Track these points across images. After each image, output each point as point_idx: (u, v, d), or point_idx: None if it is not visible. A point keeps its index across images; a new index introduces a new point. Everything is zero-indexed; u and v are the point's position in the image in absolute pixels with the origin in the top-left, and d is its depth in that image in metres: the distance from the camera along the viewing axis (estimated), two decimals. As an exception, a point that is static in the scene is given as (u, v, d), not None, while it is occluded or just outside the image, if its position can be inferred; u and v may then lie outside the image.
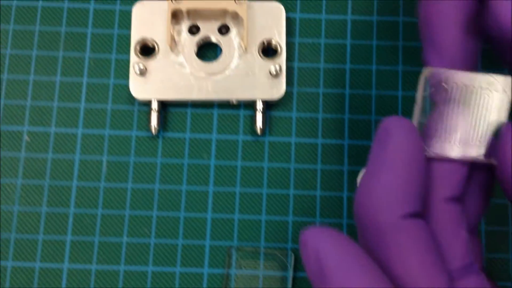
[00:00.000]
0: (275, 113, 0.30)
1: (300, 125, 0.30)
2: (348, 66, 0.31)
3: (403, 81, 0.31)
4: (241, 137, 0.30)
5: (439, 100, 0.21)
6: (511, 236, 0.29)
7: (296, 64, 0.31)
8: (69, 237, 0.29)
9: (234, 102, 0.30)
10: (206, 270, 0.29)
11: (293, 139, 0.30)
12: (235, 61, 0.30)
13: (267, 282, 0.29)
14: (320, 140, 0.30)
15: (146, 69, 0.30)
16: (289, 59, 0.31)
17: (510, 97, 0.21)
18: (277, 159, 0.30)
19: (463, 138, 0.21)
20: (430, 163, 0.21)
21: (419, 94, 0.21)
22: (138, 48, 0.30)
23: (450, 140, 0.21)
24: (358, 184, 0.20)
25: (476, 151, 0.21)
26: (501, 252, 0.29)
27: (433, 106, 0.21)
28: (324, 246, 0.19)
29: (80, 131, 0.30)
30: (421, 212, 0.20)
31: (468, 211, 0.23)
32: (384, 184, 0.19)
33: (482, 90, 0.21)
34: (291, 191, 0.30)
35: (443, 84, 0.21)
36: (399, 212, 0.19)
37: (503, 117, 0.21)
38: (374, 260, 0.20)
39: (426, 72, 0.21)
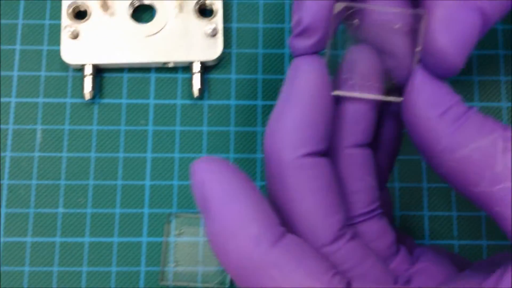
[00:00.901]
0: (214, 76, 0.30)
1: (240, 87, 0.29)
2: (287, 25, 0.30)
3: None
4: (179, 101, 0.29)
5: (348, 37, 0.21)
6: (425, 192, 0.29)
7: (234, 25, 0.30)
8: (3, 210, 0.28)
9: (171, 65, 0.29)
10: (145, 239, 0.28)
11: (232, 102, 0.29)
12: (170, 22, 0.29)
13: (207, 249, 0.28)
14: (260, 102, 0.29)
15: (78, 33, 0.29)
16: (227, 20, 0.30)
17: (420, 33, 0.21)
18: (216, 123, 0.29)
19: (366, 76, 0.21)
20: (339, 106, 0.21)
21: (331, 29, 0.21)
22: (70, 11, 0.29)
23: (353, 79, 0.21)
24: None
25: (377, 91, 0.21)
26: (415, 210, 0.28)
27: (344, 43, 0.21)
28: (210, 176, 0.18)
29: (13, 100, 0.29)
30: (326, 152, 0.20)
31: (378, 158, 0.22)
32: (288, 122, 0.19)
33: (390, 26, 0.21)
34: (231, 155, 0.29)
35: (353, 19, 0.21)
36: (301, 150, 0.19)
37: (407, 56, 0.21)
38: (270, 199, 0.19)
39: (337, 6, 0.21)
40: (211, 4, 0.29)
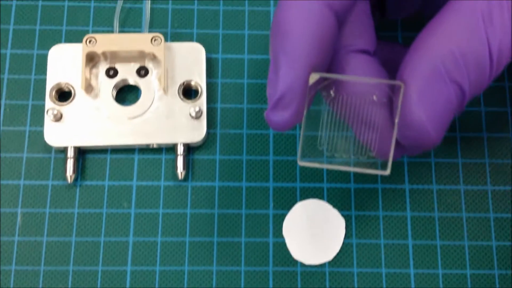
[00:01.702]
0: (198, 157, 0.29)
1: (224, 168, 0.29)
2: (272, 106, 0.30)
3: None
4: (162, 183, 0.29)
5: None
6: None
7: (219, 105, 0.30)
8: (-21, 296, 0.27)
9: (155, 146, 0.29)
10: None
11: (216, 183, 0.29)
12: (155, 104, 0.29)
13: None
14: (244, 184, 0.29)
15: (61, 115, 0.29)
16: (212, 100, 0.30)
17: (397, 104, 0.21)
18: (200, 205, 0.29)
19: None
20: None
21: (307, 101, 0.21)
22: (53, 93, 0.29)
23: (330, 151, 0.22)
24: None
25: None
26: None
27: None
28: None
29: (-6, 181, 0.29)
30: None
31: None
32: None
33: (367, 97, 0.21)
34: (215, 239, 0.28)
35: (329, 90, 0.21)
36: None
37: (386, 128, 0.21)
38: None
39: (312, 76, 0.21)
40: (195, 86, 0.29)
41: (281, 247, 0.28)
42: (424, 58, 0.20)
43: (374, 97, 0.21)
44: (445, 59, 0.20)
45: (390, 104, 0.22)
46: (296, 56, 0.20)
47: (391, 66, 0.23)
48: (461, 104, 0.21)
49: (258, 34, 0.31)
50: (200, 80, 0.29)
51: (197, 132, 0.29)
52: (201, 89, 0.29)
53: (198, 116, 0.29)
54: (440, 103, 0.20)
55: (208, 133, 0.29)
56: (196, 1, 0.31)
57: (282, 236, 0.28)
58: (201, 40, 0.31)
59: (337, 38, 0.22)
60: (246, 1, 0.31)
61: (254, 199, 0.29)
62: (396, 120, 0.21)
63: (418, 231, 0.28)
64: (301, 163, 0.22)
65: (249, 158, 0.29)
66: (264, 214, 0.29)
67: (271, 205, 0.29)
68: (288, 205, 0.29)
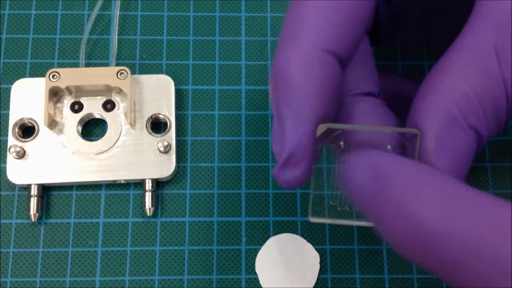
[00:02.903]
0: (167, 191, 0.28)
1: (194, 202, 0.28)
2: (243, 138, 0.29)
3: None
4: (130, 220, 0.28)
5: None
6: None
7: (189, 138, 0.29)
8: None
9: (122, 182, 0.28)
10: None
11: (187, 219, 0.28)
12: (122, 139, 0.28)
13: None
14: (215, 218, 0.28)
15: (25, 151, 0.28)
16: (181, 133, 0.29)
17: (415, 154, 0.19)
18: (170, 242, 0.28)
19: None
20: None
21: (315, 154, 0.20)
22: (16, 129, 0.28)
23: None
24: None
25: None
26: None
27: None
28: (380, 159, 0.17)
29: (-45, 221, 0.28)
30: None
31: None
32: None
33: (380, 147, 0.20)
34: (185, 277, 0.27)
35: (338, 141, 0.20)
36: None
37: None
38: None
39: (320, 128, 0.19)
40: (164, 119, 0.29)
41: (254, 283, 0.27)
42: (437, 103, 0.19)
43: (389, 147, 0.20)
44: (460, 103, 0.19)
45: (403, 153, 0.20)
46: (301, 110, 0.19)
47: (396, 102, 0.22)
48: (479, 148, 0.20)
49: (229, 64, 0.30)
50: (169, 113, 0.29)
51: (165, 167, 0.28)
52: (170, 122, 0.28)
53: (166, 150, 0.28)
54: (459, 150, 0.19)
55: (177, 166, 0.28)
56: (165, 32, 0.31)
57: (254, 272, 0.27)
58: (170, 71, 0.30)
59: (342, 85, 0.21)
60: (217, 31, 0.31)
61: (226, 234, 0.28)
62: None
63: (394, 264, 0.28)
64: (312, 219, 0.20)
65: (220, 192, 0.28)
66: (237, 249, 0.28)
67: (243, 240, 0.28)
68: (261, 240, 0.28)
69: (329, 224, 0.28)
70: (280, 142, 0.19)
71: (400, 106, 0.22)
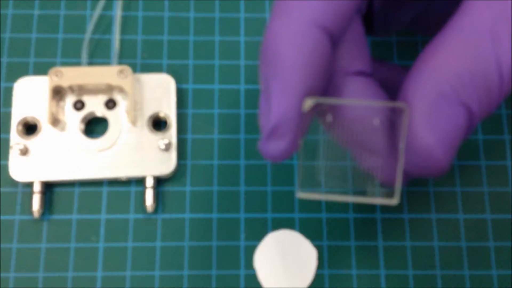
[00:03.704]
0: (168, 189, 0.29)
1: (195, 199, 0.29)
2: (242, 136, 0.30)
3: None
4: (132, 216, 0.29)
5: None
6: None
7: (189, 136, 0.30)
8: None
9: (124, 179, 0.29)
10: None
11: (187, 215, 0.29)
12: (123, 136, 0.29)
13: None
14: (215, 215, 0.29)
15: (27, 149, 0.28)
16: (182, 131, 0.30)
17: (403, 128, 0.19)
18: (170, 238, 0.28)
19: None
20: None
21: (302, 128, 0.20)
22: (20, 127, 0.29)
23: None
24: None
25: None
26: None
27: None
28: None
29: (-42, 217, 0.28)
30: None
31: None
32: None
33: (368, 122, 0.20)
34: (185, 272, 0.28)
35: (326, 115, 0.20)
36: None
37: (390, 154, 0.20)
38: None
39: (307, 102, 0.19)
40: (165, 117, 0.29)
41: (252, 279, 0.28)
42: (429, 79, 0.19)
43: (376, 122, 0.20)
44: (452, 80, 0.19)
45: (392, 128, 0.20)
46: (288, 83, 0.19)
47: (389, 87, 0.22)
48: (470, 127, 0.20)
49: (228, 64, 0.31)
50: (169, 112, 0.29)
51: (166, 165, 0.28)
52: (170, 120, 0.29)
53: (167, 148, 0.28)
54: (449, 127, 0.19)
55: (178, 164, 0.29)
56: (166, 32, 0.31)
57: (253, 268, 0.28)
58: (171, 70, 0.31)
59: (332, 61, 0.20)
60: (217, 31, 0.31)
61: (225, 230, 0.28)
62: (401, 146, 0.19)
63: (390, 261, 0.28)
64: (300, 194, 0.20)
65: (220, 189, 0.29)
66: (235, 245, 0.28)
67: (242, 236, 0.28)
68: (259, 236, 0.28)
69: (327, 221, 0.29)
70: (266, 115, 0.19)
71: (393, 92, 0.21)
